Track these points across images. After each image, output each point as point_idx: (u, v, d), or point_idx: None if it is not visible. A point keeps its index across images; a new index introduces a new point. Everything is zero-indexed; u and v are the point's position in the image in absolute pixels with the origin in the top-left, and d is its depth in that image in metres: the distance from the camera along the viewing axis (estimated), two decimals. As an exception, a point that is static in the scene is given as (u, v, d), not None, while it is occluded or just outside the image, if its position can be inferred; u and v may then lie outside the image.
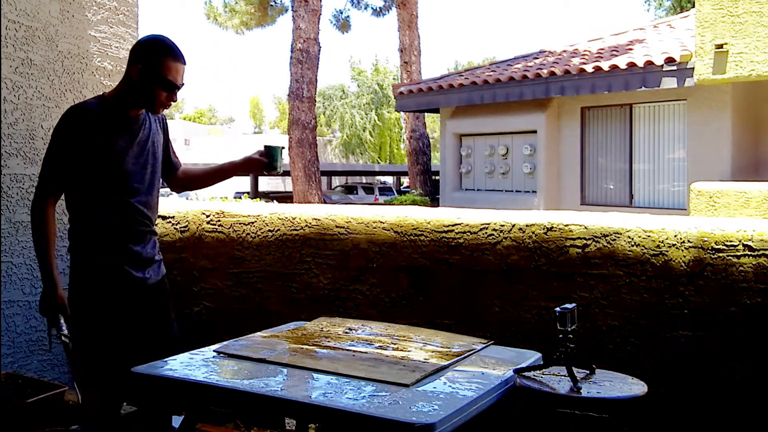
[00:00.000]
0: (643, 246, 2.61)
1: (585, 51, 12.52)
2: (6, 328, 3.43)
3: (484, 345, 2.47)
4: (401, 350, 2.33)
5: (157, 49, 2.49)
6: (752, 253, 2.43)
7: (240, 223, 3.55)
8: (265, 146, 2.81)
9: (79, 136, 2.46)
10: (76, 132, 2.47)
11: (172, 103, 2.58)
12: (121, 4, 3.96)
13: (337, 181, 36.79)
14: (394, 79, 36.82)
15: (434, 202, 16.64)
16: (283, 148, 2.87)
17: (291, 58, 16.38)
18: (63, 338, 2.52)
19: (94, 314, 2.55)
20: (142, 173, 2.60)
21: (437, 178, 16.45)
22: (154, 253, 2.70)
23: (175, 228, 3.71)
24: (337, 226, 3.29)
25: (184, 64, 2.53)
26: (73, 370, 2.57)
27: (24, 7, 3.45)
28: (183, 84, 2.53)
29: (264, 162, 2.77)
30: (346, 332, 2.57)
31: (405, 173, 27.69)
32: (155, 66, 2.47)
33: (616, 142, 11.33)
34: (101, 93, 2.62)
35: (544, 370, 2.15)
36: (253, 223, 3.54)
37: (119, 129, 2.53)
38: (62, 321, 2.52)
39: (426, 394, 1.91)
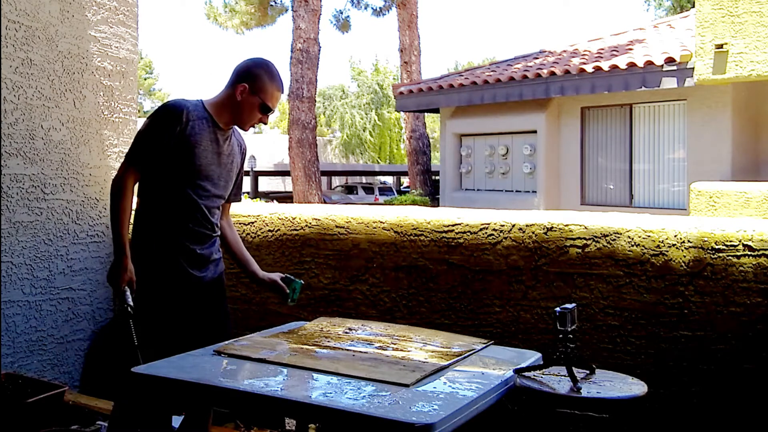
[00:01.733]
0: (643, 246, 2.61)
1: (585, 51, 12.52)
2: (6, 328, 3.43)
3: (484, 345, 2.47)
4: (401, 350, 2.33)
5: (265, 76, 2.65)
6: (752, 253, 2.43)
7: (240, 223, 3.55)
8: (287, 276, 2.83)
9: (169, 128, 2.57)
10: (167, 124, 2.58)
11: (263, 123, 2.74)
12: (121, 4, 3.96)
13: (337, 181, 36.79)
14: (394, 79, 36.81)
15: (434, 202, 16.64)
16: (303, 283, 2.88)
17: (291, 58, 16.39)
18: (128, 308, 2.51)
19: (150, 308, 2.61)
20: (217, 181, 2.70)
21: (437, 178, 16.45)
22: (212, 251, 2.75)
23: (175, 228, 3.71)
24: (337, 226, 3.29)
25: (282, 92, 2.72)
26: (138, 339, 2.55)
27: (24, 7, 3.45)
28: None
29: (285, 292, 2.81)
30: (346, 332, 2.57)
31: (405, 173, 27.70)
32: (260, 90, 2.62)
33: (616, 142, 11.33)
34: (199, 99, 2.73)
35: (544, 370, 2.15)
36: (253, 223, 3.54)
37: (207, 134, 2.64)
38: (128, 292, 2.53)
39: (426, 394, 1.91)
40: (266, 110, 2.66)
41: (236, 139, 2.81)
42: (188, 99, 2.71)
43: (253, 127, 2.74)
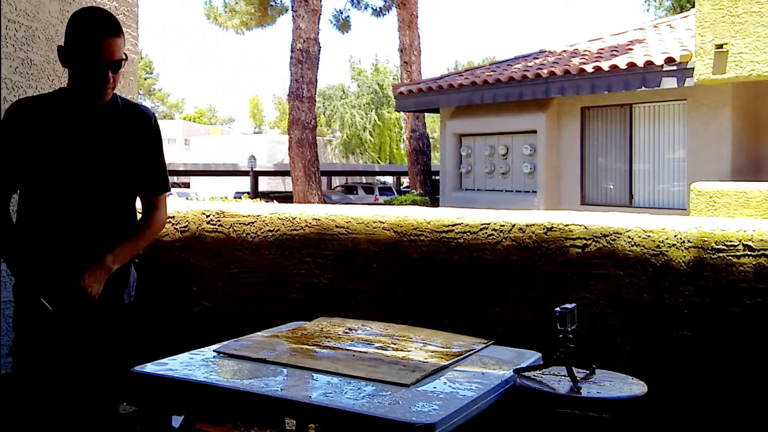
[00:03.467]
0: (643, 246, 2.61)
1: (585, 51, 12.53)
2: (6, 328, 3.43)
3: (484, 345, 2.47)
4: (401, 350, 2.33)
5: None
6: (752, 253, 2.43)
7: (240, 223, 3.55)
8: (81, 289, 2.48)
9: (7, 134, 2.34)
10: (5, 131, 2.36)
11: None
12: (121, 4, 3.96)
13: (337, 181, 36.82)
14: (394, 79, 36.83)
15: (434, 202, 16.65)
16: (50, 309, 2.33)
17: (291, 58, 16.40)
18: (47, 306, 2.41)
19: (20, 335, 2.39)
20: (86, 176, 2.29)
21: (437, 178, 16.46)
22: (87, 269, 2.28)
23: (175, 228, 3.71)
24: (337, 226, 3.29)
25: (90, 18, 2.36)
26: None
27: (24, 7, 3.45)
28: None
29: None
30: (346, 332, 2.57)
31: (405, 173, 27.73)
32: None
33: (616, 142, 11.34)
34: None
35: (544, 370, 2.15)
36: (253, 223, 3.54)
37: (62, 121, 2.34)
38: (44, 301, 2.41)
39: (426, 394, 1.92)
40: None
41: (128, 115, 2.39)
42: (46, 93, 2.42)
43: (102, 86, 2.30)
